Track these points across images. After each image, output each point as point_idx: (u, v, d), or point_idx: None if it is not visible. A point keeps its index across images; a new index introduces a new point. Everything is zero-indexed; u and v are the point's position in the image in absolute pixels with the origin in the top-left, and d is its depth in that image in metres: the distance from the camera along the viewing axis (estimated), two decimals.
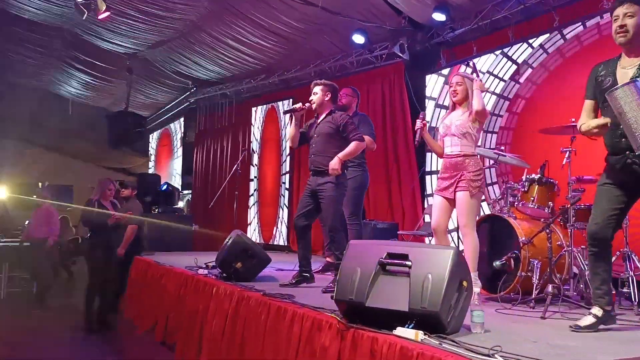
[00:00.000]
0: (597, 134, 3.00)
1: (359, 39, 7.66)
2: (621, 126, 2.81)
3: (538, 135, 4.60)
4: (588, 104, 3.12)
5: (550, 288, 3.52)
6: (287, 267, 5.64)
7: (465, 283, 2.78)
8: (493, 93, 6.44)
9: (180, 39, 9.33)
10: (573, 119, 3.91)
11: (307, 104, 4.58)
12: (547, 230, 3.64)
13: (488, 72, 6.57)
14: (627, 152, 2.88)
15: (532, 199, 4.10)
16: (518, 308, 3.59)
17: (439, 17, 6.74)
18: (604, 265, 3.01)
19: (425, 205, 7.32)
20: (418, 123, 4.07)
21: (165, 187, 10.61)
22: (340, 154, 4.31)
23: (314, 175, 4.48)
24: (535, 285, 3.74)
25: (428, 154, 7.42)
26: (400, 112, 7.65)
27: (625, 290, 3.79)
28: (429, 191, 7.35)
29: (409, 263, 2.77)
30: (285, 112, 4.71)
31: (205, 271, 5.25)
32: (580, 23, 5.45)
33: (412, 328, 2.59)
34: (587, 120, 3.10)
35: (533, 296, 3.66)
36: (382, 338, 2.58)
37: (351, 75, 8.57)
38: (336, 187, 4.39)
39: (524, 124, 5.96)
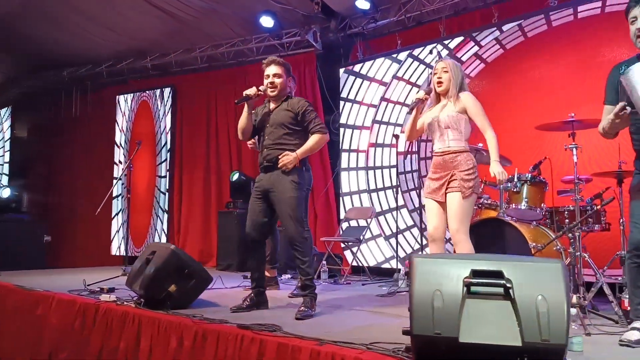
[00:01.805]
0: (620, 124, 2.68)
1: (267, 21, 6.83)
2: None
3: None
4: (609, 108, 2.83)
5: (574, 299, 3.15)
6: None
7: None
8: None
9: None
10: (572, 114, 3.64)
11: (263, 88, 3.69)
12: (570, 235, 3.26)
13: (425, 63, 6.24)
14: None
15: (525, 199, 3.73)
16: None
17: (363, 5, 6.25)
18: None
19: (342, 208, 6.77)
20: (421, 93, 3.44)
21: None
22: (299, 151, 3.54)
23: (267, 172, 3.62)
24: None
25: (344, 154, 6.88)
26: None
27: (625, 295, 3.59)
28: (345, 190, 6.82)
29: (503, 282, 2.14)
30: (238, 102, 3.71)
31: (108, 296, 4.04)
32: (521, 21, 5.32)
33: None
34: (601, 123, 2.84)
35: None
36: None
37: (249, 64, 7.68)
38: (297, 186, 3.59)
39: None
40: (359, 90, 6.77)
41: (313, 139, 3.61)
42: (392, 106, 6.45)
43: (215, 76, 8.03)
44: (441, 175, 3.33)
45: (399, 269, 5.50)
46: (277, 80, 3.66)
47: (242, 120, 3.74)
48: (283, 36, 7.21)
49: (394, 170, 6.35)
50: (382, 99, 6.54)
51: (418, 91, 3.54)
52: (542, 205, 3.79)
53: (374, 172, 6.57)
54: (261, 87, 3.68)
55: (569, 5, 5.00)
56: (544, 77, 5.11)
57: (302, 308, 3.41)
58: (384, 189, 6.48)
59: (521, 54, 5.34)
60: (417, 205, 6.11)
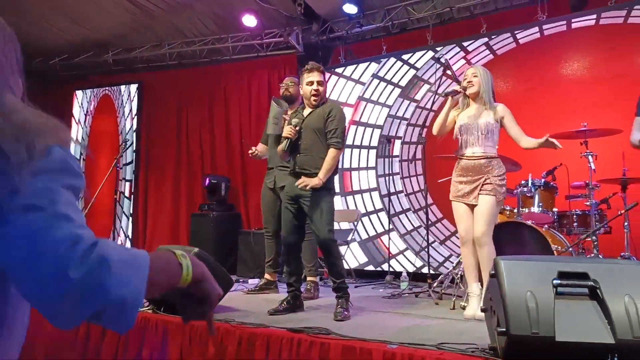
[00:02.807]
0: None
1: (250, 20, 6.72)
2: None
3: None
4: None
5: None
6: None
7: None
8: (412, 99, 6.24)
9: None
10: (585, 124, 3.87)
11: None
12: (593, 238, 3.46)
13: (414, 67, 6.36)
14: None
15: (540, 204, 3.92)
16: None
17: (351, 9, 6.29)
18: None
19: None
20: (458, 87, 3.55)
21: None
22: (321, 174, 3.53)
23: (298, 178, 3.59)
24: None
25: None
26: None
27: None
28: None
29: (590, 283, 2.25)
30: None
31: None
32: (509, 34, 5.57)
33: None
34: (637, 134, 3.05)
35: None
36: None
37: (224, 64, 7.52)
38: (329, 193, 3.64)
39: None
40: (342, 90, 6.81)
41: (330, 158, 3.59)
42: (372, 106, 6.53)
43: (187, 74, 7.79)
44: (474, 179, 3.44)
45: (391, 271, 5.60)
46: (321, 88, 3.64)
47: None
48: (263, 36, 7.11)
49: (372, 172, 6.43)
50: (361, 98, 6.61)
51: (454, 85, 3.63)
52: (554, 209, 3.99)
53: (350, 173, 6.61)
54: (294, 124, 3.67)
55: (559, 20, 5.29)
56: (555, 83, 5.32)
57: (339, 309, 3.41)
58: (361, 191, 6.54)
59: (518, 61, 5.55)
60: (398, 209, 6.22)
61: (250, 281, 5.67)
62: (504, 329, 2.21)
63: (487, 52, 5.71)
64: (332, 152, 3.60)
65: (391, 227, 6.03)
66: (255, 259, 6.05)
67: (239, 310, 3.76)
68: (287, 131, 3.65)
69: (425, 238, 4.64)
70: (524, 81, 5.38)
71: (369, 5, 6.45)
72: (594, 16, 5.10)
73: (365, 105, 6.59)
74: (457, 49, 5.87)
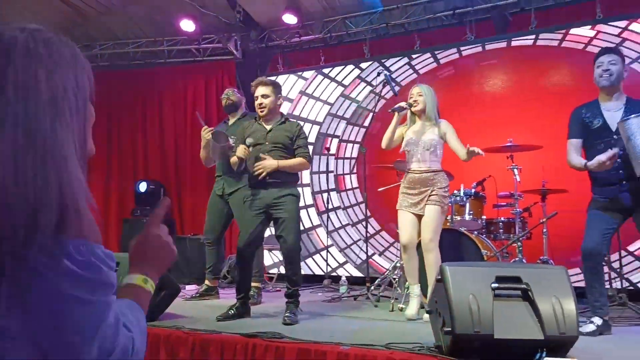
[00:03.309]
0: (608, 166, 3.20)
1: (188, 25, 6.70)
2: (619, 160, 3.17)
3: None
4: (575, 142, 3.42)
5: None
6: None
7: None
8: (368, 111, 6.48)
9: None
10: (510, 139, 4.26)
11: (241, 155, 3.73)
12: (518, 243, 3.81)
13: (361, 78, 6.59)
14: (622, 183, 3.23)
15: (470, 212, 4.25)
16: None
17: (290, 19, 6.45)
18: (600, 279, 3.33)
19: None
20: (404, 104, 3.81)
21: None
22: (281, 162, 3.69)
23: (268, 188, 3.69)
24: None
25: None
26: None
27: None
28: None
29: (523, 286, 2.54)
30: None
31: None
32: (444, 52, 5.94)
33: (545, 356, 2.38)
34: (576, 157, 3.37)
35: None
36: None
37: (159, 67, 7.43)
38: (297, 200, 3.79)
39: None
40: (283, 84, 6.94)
41: (296, 160, 3.76)
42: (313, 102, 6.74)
43: (119, 76, 7.61)
44: (420, 191, 3.71)
45: (329, 275, 5.80)
46: (265, 101, 3.75)
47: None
48: (201, 41, 7.10)
49: (307, 189, 6.61)
50: (305, 93, 6.80)
51: (401, 103, 3.87)
52: (483, 217, 4.34)
53: None
54: (239, 154, 3.73)
55: (480, 42, 5.72)
56: (482, 98, 5.70)
57: (289, 314, 3.55)
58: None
59: (457, 78, 5.90)
60: (329, 206, 6.43)
61: (187, 287, 5.66)
62: (450, 329, 2.44)
63: (433, 62, 6.06)
64: (301, 159, 3.76)
65: (330, 242, 6.21)
66: (190, 265, 6.04)
67: (185, 317, 3.79)
68: (241, 152, 3.71)
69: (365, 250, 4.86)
70: (461, 96, 5.72)
71: (308, 17, 6.63)
72: (519, 41, 5.57)
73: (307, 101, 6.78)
74: (399, 63, 6.21)
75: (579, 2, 5.46)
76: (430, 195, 3.69)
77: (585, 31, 5.27)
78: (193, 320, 3.64)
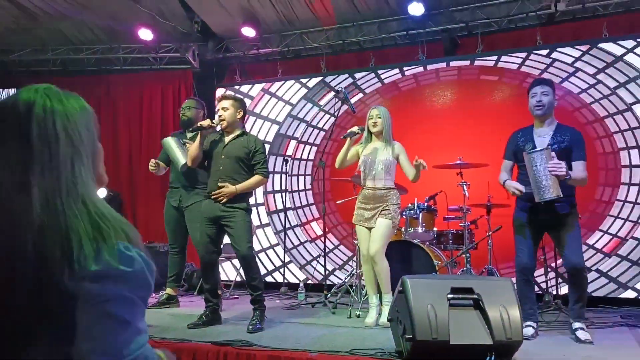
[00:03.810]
0: (513, 194, 3.64)
1: (146, 34, 6.73)
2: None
3: None
4: (508, 163, 3.81)
5: None
6: None
7: None
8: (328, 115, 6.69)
9: None
10: (460, 157, 4.60)
11: (215, 121, 3.94)
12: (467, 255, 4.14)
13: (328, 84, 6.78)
14: (541, 202, 3.59)
15: (423, 224, 4.56)
16: None
17: (249, 32, 6.60)
18: (532, 289, 3.70)
19: None
20: (356, 128, 4.06)
21: None
22: (239, 186, 3.87)
23: (221, 203, 3.86)
24: None
25: None
26: None
27: None
28: None
29: (475, 296, 2.83)
30: (191, 130, 4.01)
31: None
32: (398, 70, 6.26)
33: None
34: (506, 177, 3.76)
35: None
36: None
37: (114, 74, 7.41)
38: (246, 213, 3.96)
39: None
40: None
41: (255, 179, 3.94)
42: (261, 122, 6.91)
43: (72, 82, 7.50)
44: (374, 206, 3.98)
45: (285, 282, 5.98)
46: (224, 113, 3.92)
47: (192, 149, 3.92)
48: (158, 50, 7.14)
49: (262, 208, 6.76)
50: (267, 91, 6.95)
51: (353, 127, 4.13)
52: (434, 229, 4.66)
53: None
54: (215, 120, 3.91)
55: (435, 62, 6.09)
56: (435, 119, 6.01)
57: (254, 321, 3.72)
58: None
59: (414, 95, 6.20)
60: (280, 207, 6.63)
61: None
62: (411, 336, 2.70)
63: (377, 81, 6.36)
64: (258, 177, 3.93)
65: (289, 259, 6.36)
66: None
67: (152, 325, 3.89)
68: (206, 122, 3.88)
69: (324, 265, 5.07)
70: (404, 117, 6.01)
71: (266, 29, 6.80)
72: (467, 62, 5.96)
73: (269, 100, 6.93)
74: (350, 79, 6.47)
75: (521, 29, 5.91)
76: (382, 210, 3.96)
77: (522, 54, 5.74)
78: (162, 329, 3.75)
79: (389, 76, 6.26)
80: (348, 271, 5.55)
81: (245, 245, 3.82)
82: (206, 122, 3.87)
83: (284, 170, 6.54)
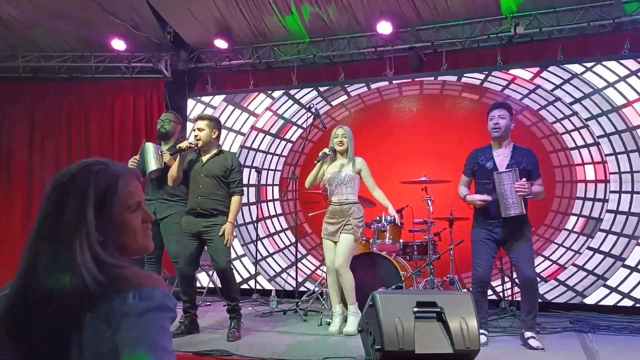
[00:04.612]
0: (479, 205, 3.93)
1: (119, 45, 6.81)
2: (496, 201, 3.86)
3: None
4: (467, 179, 4.14)
5: None
6: None
7: None
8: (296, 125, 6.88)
9: None
10: (425, 174, 4.90)
11: (193, 142, 4.12)
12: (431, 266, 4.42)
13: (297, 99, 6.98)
14: (499, 220, 3.89)
15: (390, 236, 4.84)
16: None
17: (221, 44, 6.76)
18: (486, 300, 4.00)
19: None
20: (326, 150, 4.36)
21: None
22: (231, 218, 4.09)
23: (199, 217, 4.07)
24: None
25: None
26: None
27: None
28: None
29: (438, 309, 3.10)
30: (172, 154, 4.21)
31: None
32: (364, 85, 6.52)
33: None
34: (466, 191, 4.07)
35: None
36: None
37: (85, 82, 7.43)
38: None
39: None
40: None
41: (235, 202, 4.14)
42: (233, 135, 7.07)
43: (43, 89, 7.52)
44: (338, 221, 4.26)
45: (257, 289, 6.16)
46: (200, 134, 4.12)
47: (173, 170, 4.12)
48: (131, 60, 7.21)
49: None
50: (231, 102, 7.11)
51: (323, 150, 4.38)
52: (400, 240, 4.94)
53: None
54: (191, 141, 4.08)
55: (402, 78, 6.37)
56: (399, 132, 6.25)
57: (232, 330, 3.94)
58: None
59: (379, 109, 6.43)
60: (247, 219, 6.81)
61: None
62: (380, 346, 2.95)
63: (343, 94, 6.61)
64: (237, 198, 4.14)
65: (258, 271, 6.52)
66: None
67: None
68: (185, 144, 4.07)
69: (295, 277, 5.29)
70: (369, 130, 6.24)
71: (238, 41, 6.96)
72: (432, 78, 6.26)
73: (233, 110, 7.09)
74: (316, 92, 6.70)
75: (484, 49, 6.25)
76: (345, 225, 4.23)
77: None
78: None
79: (355, 89, 6.52)
80: (317, 280, 5.77)
81: (224, 260, 4.02)
82: (185, 144, 4.05)
83: (254, 182, 6.72)
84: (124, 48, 6.87)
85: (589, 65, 5.66)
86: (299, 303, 5.15)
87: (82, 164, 1.21)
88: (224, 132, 6.95)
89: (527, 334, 3.80)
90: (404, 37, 6.38)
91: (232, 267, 4.22)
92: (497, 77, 6.00)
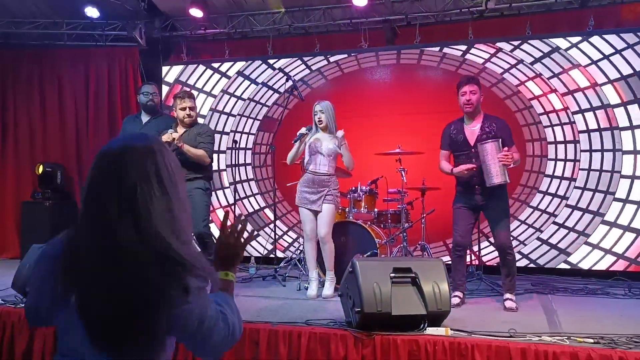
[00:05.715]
0: (466, 175, 4.13)
1: (93, 12, 6.72)
2: (475, 170, 4.09)
3: None
4: (445, 153, 4.32)
5: None
6: None
7: None
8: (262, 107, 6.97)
9: None
10: (399, 145, 5.10)
11: (176, 135, 4.24)
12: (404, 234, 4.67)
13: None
14: (476, 187, 4.15)
15: (365, 206, 5.06)
16: None
17: (196, 13, 6.73)
18: (463, 263, 4.29)
19: None
20: (304, 129, 4.49)
21: None
22: (185, 146, 4.25)
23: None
24: None
25: None
26: (136, 101, 7.11)
27: None
28: None
29: (412, 275, 3.34)
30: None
31: None
32: (346, 54, 6.64)
33: (427, 327, 3.23)
34: (448, 166, 4.26)
35: None
36: (422, 339, 3.10)
37: (57, 49, 7.32)
38: (204, 192, 4.32)
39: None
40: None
41: (196, 151, 4.33)
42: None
43: (13, 55, 7.38)
44: (318, 190, 4.43)
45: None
46: (193, 112, 4.27)
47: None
48: (105, 27, 7.13)
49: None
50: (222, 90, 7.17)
51: (301, 129, 4.53)
52: (375, 209, 5.17)
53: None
54: (175, 134, 4.23)
55: (376, 50, 6.51)
56: (375, 102, 6.43)
57: None
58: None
59: (356, 77, 6.59)
60: (250, 210, 6.98)
61: None
62: (359, 309, 3.18)
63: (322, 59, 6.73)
64: (201, 151, 4.32)
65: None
66: None
67: None
68: (166, 137, 4.19)
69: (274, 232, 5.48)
70: (346, 100, 6.36)
71: (213, 9, 6.94)
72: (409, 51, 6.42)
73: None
74: (298, 62, 6.80)
75: (456, 22, 6.41)
76: (327, 195, 4.42)
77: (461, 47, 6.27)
78: None
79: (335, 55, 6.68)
80: (296, 247, 6.00)
81: (201, 224, 4.19)
82: (175, 137, 4.19)
83: (229, 146, 6.85)
84: (97, 15, 6.78)
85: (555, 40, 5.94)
86: (277, 269, 5.36)
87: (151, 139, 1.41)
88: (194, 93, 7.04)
89: (506, 295, 4.10)
90: (379, 10, 6.48)
91: (211, 232, 4.37)
92: (480, 50, 6.19)
